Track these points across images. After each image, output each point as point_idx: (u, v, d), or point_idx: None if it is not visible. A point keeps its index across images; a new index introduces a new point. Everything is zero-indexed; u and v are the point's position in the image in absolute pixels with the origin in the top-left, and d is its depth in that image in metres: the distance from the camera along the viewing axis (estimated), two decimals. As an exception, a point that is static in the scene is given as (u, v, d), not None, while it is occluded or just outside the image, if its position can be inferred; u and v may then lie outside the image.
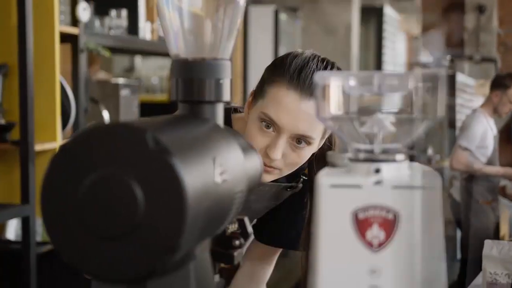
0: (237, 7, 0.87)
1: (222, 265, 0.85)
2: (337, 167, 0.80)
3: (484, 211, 4.46)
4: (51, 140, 2.60)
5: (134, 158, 0.65)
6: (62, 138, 2.68)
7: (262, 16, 4.97)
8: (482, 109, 4.47)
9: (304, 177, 1.43)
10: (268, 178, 1.30)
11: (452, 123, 6.77)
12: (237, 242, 0.85)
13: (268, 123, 1.25)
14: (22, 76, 2.46)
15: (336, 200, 0.72)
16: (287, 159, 1.27)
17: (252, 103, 1.31)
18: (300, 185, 1.44)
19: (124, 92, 3.14)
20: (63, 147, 0.67)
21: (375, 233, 0.70)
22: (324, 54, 1.34)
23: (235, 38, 0.89)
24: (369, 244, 0.69)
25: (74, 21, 2.77)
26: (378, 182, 0.71)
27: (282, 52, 5.90)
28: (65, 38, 2.73)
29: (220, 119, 0.87)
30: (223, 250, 0.83)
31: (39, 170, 2.49)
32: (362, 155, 0.74)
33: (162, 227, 0.63)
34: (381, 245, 0.69)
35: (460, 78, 7.29)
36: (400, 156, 0.74)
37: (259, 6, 5.07)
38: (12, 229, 2.70)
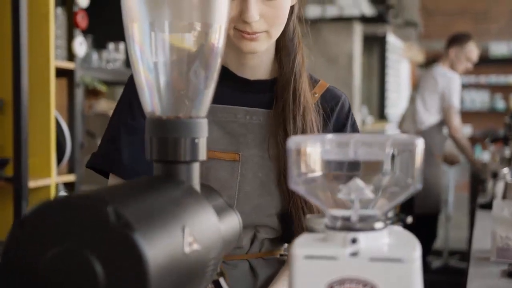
0: (214, 65, 0.85)
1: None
2: (315, 232, 0.77)
3: (438, 165, 4.46)
4: (46, 176, 2.57)
5: (94, 233, 0.62)
6: (57, 174, 2.65)
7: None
8: (441, 65, 4.55)
9: None
10: (258, 46, 1.21)
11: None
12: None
13: None
14: (17, 111, 2.44)
15: (310, 272, 0.69)
16: (267, 17, 1.19)
17: None
18: None
19: (121, 125, 3.11)
20: (22, 220, 0.65)
21: (350, 310, 0.66)
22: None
23: (211, 95, 0.87)
24: (343, 322, 0.66)
25: (71, 55, 2.76)
26: (354, 254, 0.68)
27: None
28: (61, 72, 2.72)
29: (195, 180, 0.84)
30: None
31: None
32: (338, 223, 0.71)
33: (121, 308, 0.60)
34: (356, 323, 0.66)
35: (390, 39, 7.38)
36: (378, 224, 0.71)
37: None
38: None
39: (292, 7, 1.27)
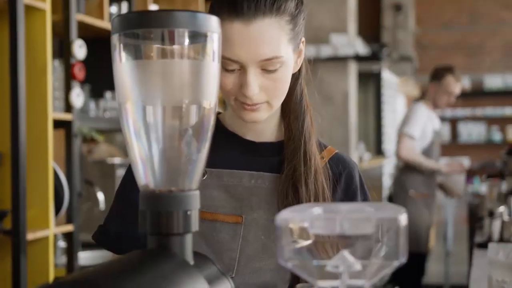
0: (205, 139, 0.88)
1: None
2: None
3: (415, 203, 4.34)
4: (44, 228, 2.59)
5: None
6: (55, 225, 2.67)
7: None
8: (423, 101, 4.54)
9: None
10: (259, 116, 1.21)
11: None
12: None
13: (230, 64, 1.16)
14: (15, 164, 2.47)
15: None
16: (267, 89, 1.18)
17: None
18: None
19: (120, 172, 3.14)
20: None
21: None
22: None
23: (203, 167, 0.89)
24: None
25: (68, 107, 2.79)
26: (343, 326, 0.70)
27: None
28: (59, 123, 2.75)
29: (188, 250, 0.86)
30: None
31: (31, 260, 2.48)
32: (327, 295, 0.73)
33: None
34: None
35: (385, 75, 7.44)
36: (366, 296, 0.73)
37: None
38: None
39: (296, 74, 1.27)
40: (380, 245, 0.74)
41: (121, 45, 0.83)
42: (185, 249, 0.85)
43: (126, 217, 1.25)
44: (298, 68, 1.28)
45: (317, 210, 0.77)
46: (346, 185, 1.31)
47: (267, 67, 1.16)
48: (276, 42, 1.15)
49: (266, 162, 1.28)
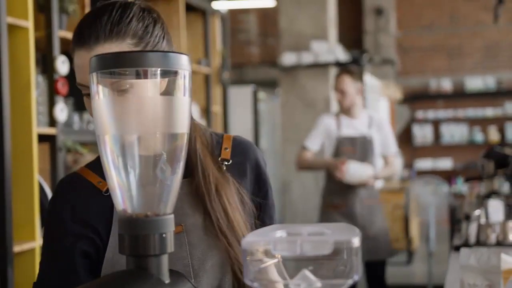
0: (179, 166, 0.95)
1: None
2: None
3: (327, 215, 4.20)
4: (30, 239, 2.65)
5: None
6: (41, 237, 2.72)
7: (242, 95, 5.10)
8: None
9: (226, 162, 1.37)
10: None
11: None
12: None
13: (83, 89, 1.24)
14: (0, 178, 2.52)
15: None
16: None
17: None
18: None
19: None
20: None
21: None
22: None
23: (177, 192, 0.96)
24: None
25: (52, 121, 2.85)
26: None
27: (262, 129, 6.00)
28: (44, 138, 2.81)
29: (164, 270, 0.93)
30: None
31: (18, 272, 2.54)
32: (289, 312, 0.81)
33: None
34: None
35: (367, 79, 7.55)
36: (325, 311, 0.80)
37: (238, 86, 5.21)
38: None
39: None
40: (337, 264, 0.81)
41: (99, 83, 0.90)
42: (161, 269, 0.93)
43: (63, 271, 1.27)
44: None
45: (280, 233, 0.85)
46: (256, 171, 1.38)
47: (117, 88, 1.08)
48: None
49: None
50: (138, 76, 0.91)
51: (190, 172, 1.31)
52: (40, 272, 1.31)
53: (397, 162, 4.28)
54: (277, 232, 0.84)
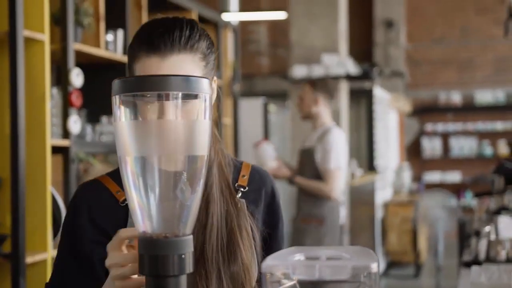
0: (198, 186, 0.96)
1: None
2: None
3: (301, 231, 4.08)
4: (42, 251, 2.66)
5: None
6: (53, 248, 2.74)
7: (252, 108, 5.12)
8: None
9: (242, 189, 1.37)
10: None
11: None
12: None
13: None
14: (14, 189, 2.55)
15: None
16: None
17: None
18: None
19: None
20: None
21: None
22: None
23: (196, 213, 0.98)
24: None
25: (66, 133, 2.88)
26: None
27: (272, 141, 6.02)
28: (57, 149, 2.84)
29: (183, 290, 0.94)
30: None
31: (29, 283, 2.55)
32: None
33: None
34: None
35: (377, 92, 7.54)
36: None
37: (249, 98, 5.22)
38: None
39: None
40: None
41: (121, 105, 0.92)
42: (180, 289, 0.94)
43: (75, 272, 1.27)
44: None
45: (298, 256, 0.86)
46: (270, 198, 1.40)
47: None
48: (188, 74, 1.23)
49: None
50: (160, 99, 0.93)
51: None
52: (56, 273, 1.31)
53: (335, 181, 4.08)
54: (295, 256, 0.85)
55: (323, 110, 4.22)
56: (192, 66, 1.24)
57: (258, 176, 1.40)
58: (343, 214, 4.40)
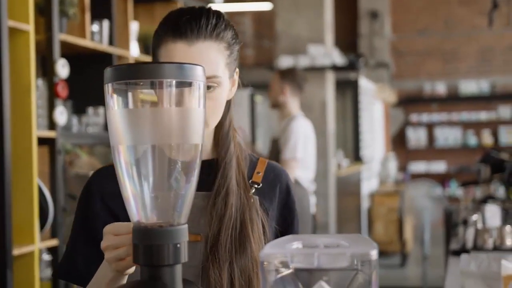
0: (192, 175, 0.95)
1: None
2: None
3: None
4: (29, 243, 2.64)
5: None
6: (40, 240, 2.72)
7: (238, 98, 5.09)
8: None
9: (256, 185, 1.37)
10: None
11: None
12: None
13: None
14: (0, 181, 2.52)
15: None
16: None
17: None
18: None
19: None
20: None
21: None
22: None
23: (191, 202, 0.97)
24: None
25: (52, 124, 2.85)
26: None
27: (259, 132, 6.01)
28: (43, 140, 2.81)
29: (178, 280, 0.93)
30: None
31: (17, 275, 2.53)
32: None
33: None
34: None
35: (362, 82, 7.57)
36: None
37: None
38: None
39: (228, 102, 1.34)
40: (354, 276, 0.82)
41: (114, 93, 0.90)
42: (175, 278, 0.93)
43: (93, 248, 1.26)
44: (231, 97, 1.35)
45: (296, 244, 0.85)
46: (284, 195, 1.40)
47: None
48: (215, 63, 1.25)
49: (201, 181, 1.31)
50: (153, 87, 0.92)
51: (211, 185, 1.31)
52: (68, 258, 1.31)
53: (289, 171, 4.11)
54: (293, 244, 0.84)
55: (290, 100, 4.22)
56: (216, 54, 1.25)
57: (273, 173, 1.40)
58: (313, 202, 4.43)
